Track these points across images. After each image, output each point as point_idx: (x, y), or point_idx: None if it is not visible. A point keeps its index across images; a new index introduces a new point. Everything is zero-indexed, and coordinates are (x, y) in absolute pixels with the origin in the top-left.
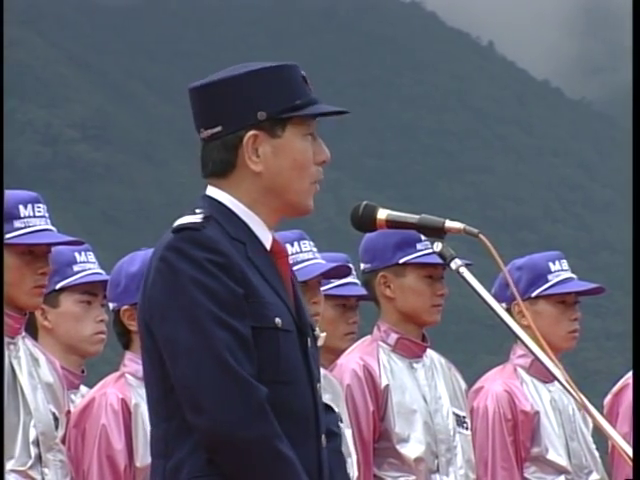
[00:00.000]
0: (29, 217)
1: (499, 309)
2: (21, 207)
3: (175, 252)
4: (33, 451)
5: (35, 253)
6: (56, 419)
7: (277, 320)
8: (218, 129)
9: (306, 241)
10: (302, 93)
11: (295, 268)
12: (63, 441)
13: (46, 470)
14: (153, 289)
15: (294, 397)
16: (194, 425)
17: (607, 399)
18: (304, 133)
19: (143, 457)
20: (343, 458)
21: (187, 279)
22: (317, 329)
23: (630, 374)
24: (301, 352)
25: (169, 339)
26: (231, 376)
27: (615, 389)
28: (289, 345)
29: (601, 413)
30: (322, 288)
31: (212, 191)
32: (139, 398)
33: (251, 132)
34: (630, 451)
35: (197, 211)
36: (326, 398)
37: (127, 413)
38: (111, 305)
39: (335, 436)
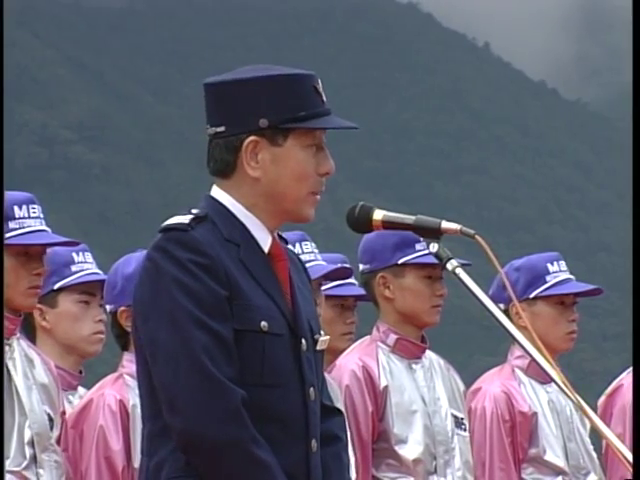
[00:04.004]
0: (24, 218)
1: (495, 310)
2: (16, 208)
3: (161, 252)
4: (28, 452)
5: (30, 254)
6: (51, 420)
7: (263, 323)
8: (222, 129)
9: (307, 242)
10: (309, 104)
11: None
12: (58, 442)
13: (41, 471)
14: (139, 288)
15: (280, 401)
16: (170, 425)
17: (601, 400)
18: (307, 144)
19: None
20: (343, 463)
21: (170, 279)
22: (321, 332)
23: (623, 375)
24: (293, 356)
25: (150, 339)
26: (206, 378)
27: (609, 390)
28: (277, 349)
29: (595, 414)
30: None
31: (215, 191)
32: (137, 399)
33: (251, 137)
34: (626, 452)
35: (193, 211)
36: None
37: (125, 414)
38: (108, 307)
39: (338, 439)
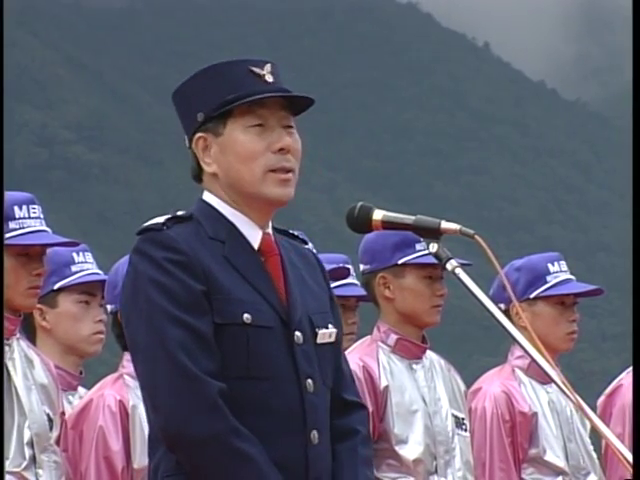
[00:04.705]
0: (24, 218)
1: (495, 310)
2: (16, 208)
3: (137, 253)
4: (27, 452)
5: (30, 254)
6: (50, 420)
7: (246, 316)
8: (185, 137)
9: None
10: (239, 87)
11: None
12: (57, 442)
13: (40, 471)
14: (123, 291)
15: (271, 393)
16: (153, 423)
17: (600, 400)
18: (248, 125)
19: (140, 458)
20: (359, 456)
21: (146, 280)
22: (329, 326)
23: (623, 375)
24: (286, 349)
25: (131, 339)
26: (181, 374)
27: (608, 390)
28: (265, 341)
29: (595, 414)
30: None
31: (204, 194)
32: (137, 399)
33: (197, 135)
34: (626, 452)
35: (178, 213)
36: None
37: (125, 414)
38: (109, 307)
39: (355, 433)
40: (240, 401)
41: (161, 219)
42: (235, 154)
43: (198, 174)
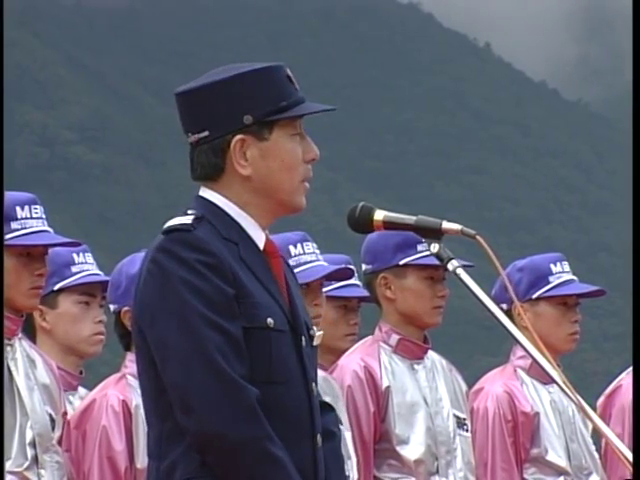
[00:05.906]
0: (26, 218)
1: (496, 310)
2: (18, 208)
3: (165, 253)
4: (29, 452)
5: (32, 254)
6: (52, 420)
7: (269, 320)
8: (205, 134)
9: (309, 243)
10: (287, 94)
11: (297, 270)
12: (59, 442)
13: (42, 471)
14: (144, 290)
15: (287, 397)
16: (184, 426)
17: (600, 400)
18: (291, 133)
19: (144, 458)
20: (341, 458)
21: (177, 280)
22: (314, 328)
23: (622, 376)
24: (295, 352)
25: (159, 340)
26: (221, 377)
27: (608, 391)
28: (282, 345)
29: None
30: (324, 289)
31: (205, 192)
32: (140, 399)
33: (238, 136)
34: (627, 452)
35: (189, 212)
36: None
37: (128, 414)
38: (112, 307)
39: (333, 435)
40: (263, 406)
41: (187, 219)
42: (280, 161)
43: (215, 173)
